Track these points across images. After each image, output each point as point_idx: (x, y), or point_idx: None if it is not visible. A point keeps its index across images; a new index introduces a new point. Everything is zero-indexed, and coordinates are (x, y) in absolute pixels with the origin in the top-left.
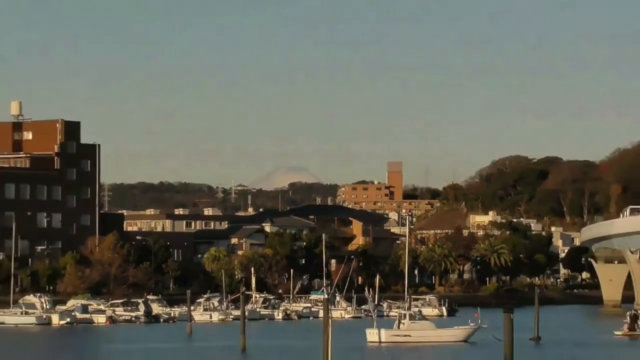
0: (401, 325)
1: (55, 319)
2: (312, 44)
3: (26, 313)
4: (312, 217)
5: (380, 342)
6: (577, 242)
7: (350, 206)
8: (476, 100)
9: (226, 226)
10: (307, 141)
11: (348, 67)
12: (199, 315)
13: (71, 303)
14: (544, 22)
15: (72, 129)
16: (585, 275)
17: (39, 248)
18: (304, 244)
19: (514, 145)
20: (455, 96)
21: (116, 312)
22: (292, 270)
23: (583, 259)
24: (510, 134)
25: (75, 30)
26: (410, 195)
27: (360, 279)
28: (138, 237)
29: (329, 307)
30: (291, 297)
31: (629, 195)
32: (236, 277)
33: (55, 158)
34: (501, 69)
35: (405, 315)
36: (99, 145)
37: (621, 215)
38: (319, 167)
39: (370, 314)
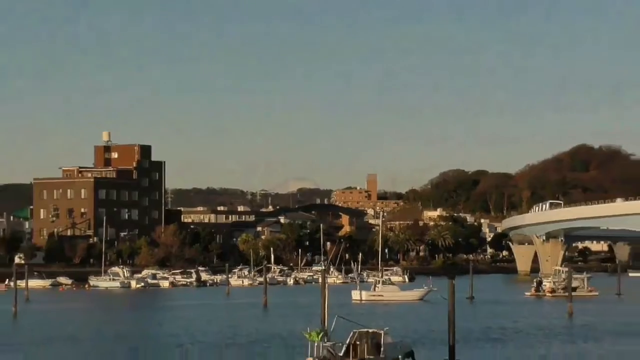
0: (376, 288)
1: (133, 284)
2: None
3: (113, 279)
4: (313, 212)
5: (361, 300)
6: (499, 230)
7: (340, 205)
8: (432, 128)
9: (253, 219)
10: (311, 158)
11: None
12: (234, 281)
13: (144, 272)
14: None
15: (145, 150)
16: (504, 253)
17: (122, 234)
18: (308, 231)
19: (456, 161)
20: (417, 123)
21: (176, 279)
22: (299, 249)
23: (503, 242)
24: (453, 153)
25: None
26: (382, 197)
27: (347, 255)
28: (191, 226)
29: (325, 275)
30: (299, 268)
31: (535, 197)
32: (260, 254)
33: (134, 171)
34: (444, 104)
35: (379, 281)
36: (164, 162)
37: (531, 211)
38: (319, 176)
39: (354, 281)
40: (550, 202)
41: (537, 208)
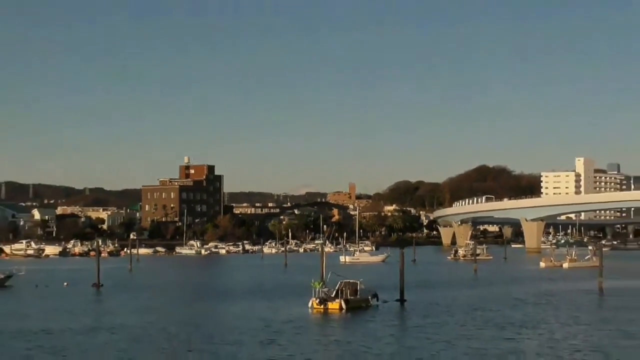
0: (355, 254)
1: (202, 252)
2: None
3: (190, 249)
4: (315, 207)
5: (345, 262)
6: (431, 218)
7: (332, 202)
8: (391, 150)
9: (278, 211)
10: (314, 171)
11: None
12: (266, 249)
13: (210, 244)
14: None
15: (210, 168)
16: (434, 232)
17: (196, 220)
18: (312, 219)
19: (406, 173)
20: (381, 147)
21: (229, 249)
22: (307, 230)
23: (434, 225)
24: (403, 168)
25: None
26: (358, 197)
27: (337, 234)
28: (239, 216)
29: (323, 246)
30: (306, 242)
31: (454, 198)
32: (282, 233)
33: (204, 181)
34: (402, 133)
35: (356, 250)
36: (222, 175)
37: (454, 205)
38: (319, 184)
39: (341, 250)
40: (487, 197)
41: (457, 204)
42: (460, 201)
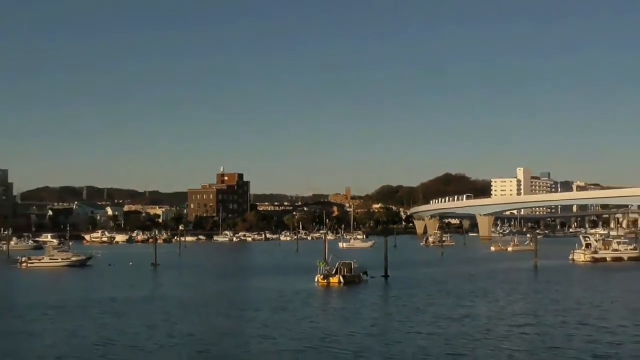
0: (350, 241)
1: (234, 239)
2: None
3: (224, 237)
4: (319, 205)
5: (342, 247)
6: (408, 213)
7: (333, 201)
8: (379, 157)
9: (291, 208)
10: (319, 179)
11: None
12: (282, 237)
13: (240, 234)
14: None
15: (240, 176)
16: (410, 225)
17: (229, 215)
18: (317, 214)
19: (389, 179)
20: (371, 157)
21: (254, 237)
22: (314, 223)
23: (410, 219)
24: (387, 174)
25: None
26: (353, 197)
27: (336, 226)
28: (262, 212)
29: (326, 235)
30: (313, 232)
31: (426, 199)
32: (295, 225)
33: (235, 186)
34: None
35: (352, 238)
36: (249, 181)
37: (431, 202)
38: (323, 187)
39: (340, 238)
40: (467, 195)
41: (433, 201)
42: (463, 195)
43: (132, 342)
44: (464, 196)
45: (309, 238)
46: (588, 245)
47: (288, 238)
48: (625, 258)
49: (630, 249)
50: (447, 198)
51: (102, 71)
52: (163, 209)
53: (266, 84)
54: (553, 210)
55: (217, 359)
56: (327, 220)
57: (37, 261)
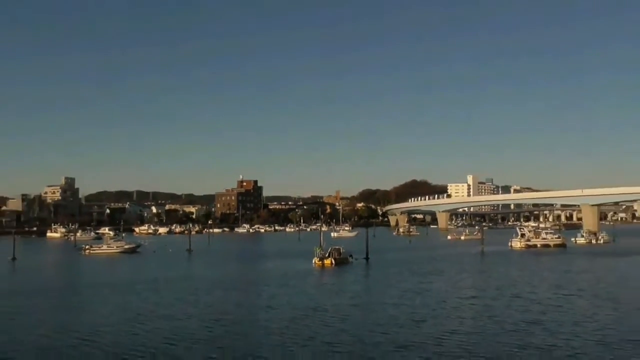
0: (340, 232)
1: (251, 231)
2: None
3: (243, 229)
4: (316, 204)
5: (334, 236)
6: (384, 210)
7: (326, 202)
8: (360, 168)
9: (294, 207)
10: (316, 183)
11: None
12: (288, 229)
13: (255, 227)
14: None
15: (255, 182)
16: (386, 219)
17: (247, 212)
18: (314, 211)
19: (369, 184)
20: (356, 165)
21: (266, 229)
22: (312, 218)
23: (384, 215)
24: (367, 180)
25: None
26: (342, 198)
27: (329, 220)
28: (272, 210)
29: (322, 227)
30: (312, 225)
31: (398, 200)
32: (297, 220)
33: (251, 189)
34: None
35: (341, 229)
36: (262, 186)
37: (410, 200)
38: (319, 190)
39: (332, 229)
40: (429, 196)
41: (411, 200)
42: (444, 195)
43: (166, 312)
44: (427, 197)
45: (308, 230)
46: (523, 235)
47: (292, 230)
48: (552, 245)
49: (555, 238)
50: (413, 199)
51: (142, 100)
52: (196, 208)
53: (275, 115)
54: (495, 208)
55: (230, 325)
56: (322, 215)
57: (97, 249)
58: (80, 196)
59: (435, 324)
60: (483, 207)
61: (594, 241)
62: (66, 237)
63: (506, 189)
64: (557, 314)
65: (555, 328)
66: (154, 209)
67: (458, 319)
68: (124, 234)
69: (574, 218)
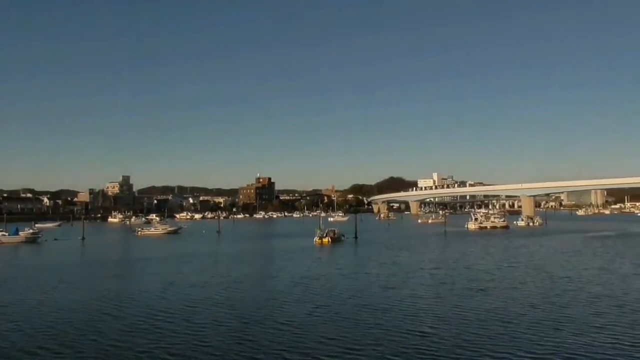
0: (335, 217)
1: (266, 217)
2: None
3: (260, 215)
4: (316, 196)
5: (331, 221)
6: (369, 200)
7: (324, 194)
8: (352, 165)
9: (299, 198)
10: (317, 179)
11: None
12: (295, 215)
13: (269, 214)
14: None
15: (269, 179)
16: (371, 207)
17: (263, 202)
18: (315, 201)
19: (358, 179)
20: (348, 163)
21: (278, 215)
22: (313, 206)
23: (370, 204)
24: (357, 176)
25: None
26: (336, 191)
27: (327, 208)
28: (283, 201)
29: (321, 214)
30: (313, 211)
31: (380, 191)
32: (302, 208)
33: (266, 185)
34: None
35: (336, 215)
36: (274, 182)
37: (404, 193)
38: (318, 185)
39: (329, 215)
40: (403, 190)
41: (390, 192)
42: (391, 191)
43: (191, 280)
44: (402, 190)
45: (310, 215)
46: (476, 219)
47: (298, 216)
48: (499, 227)
49: (501, 222)
50: (392, 191)
51: (189, 108)
52: (224, 199)
53: (286, 116)
54: (455, 198)
55: (240, 292)
56: (321, 204)
57: (147, 231)
58: (134, 190)
59: (403, 288)
60: (445, 197)
61: (530, 224)
62: (123, 222)
63: (463, 184)
64: (498, 282)
65: (496, 293)
66: (190, 200)
67: (423, 286)
68: (167, 219)
69: (515, 206)
